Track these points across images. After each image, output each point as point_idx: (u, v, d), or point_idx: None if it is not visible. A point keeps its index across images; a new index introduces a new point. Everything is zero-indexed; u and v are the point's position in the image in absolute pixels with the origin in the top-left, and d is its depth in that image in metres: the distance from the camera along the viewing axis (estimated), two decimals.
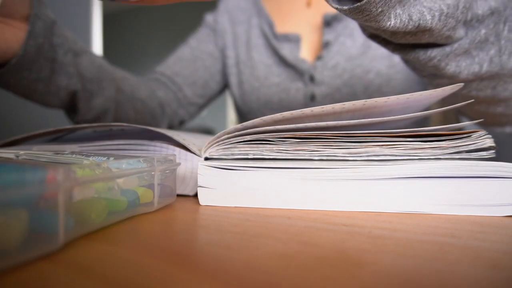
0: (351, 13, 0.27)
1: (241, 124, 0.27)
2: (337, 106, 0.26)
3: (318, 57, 0.62)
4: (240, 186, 0.27)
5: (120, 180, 0.22)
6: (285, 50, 0.65)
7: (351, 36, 0.61)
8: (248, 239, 0.19)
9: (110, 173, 0.20)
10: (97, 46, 1.28)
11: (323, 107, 0.26)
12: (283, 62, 0.65)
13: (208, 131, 2.89)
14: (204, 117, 4.33)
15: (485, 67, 0.35)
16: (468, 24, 0.33)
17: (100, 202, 0.20)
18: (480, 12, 0.33)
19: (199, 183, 0.27)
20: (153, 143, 0.31)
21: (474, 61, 0.35)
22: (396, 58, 0.59)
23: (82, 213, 0.18)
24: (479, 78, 0.36)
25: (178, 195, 0.31)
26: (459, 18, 0.30)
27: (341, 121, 0.26)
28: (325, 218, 0.23)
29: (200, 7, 4.03)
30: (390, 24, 0.28)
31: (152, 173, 0.24)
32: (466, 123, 0.28)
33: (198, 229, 0.21)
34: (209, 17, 0.75)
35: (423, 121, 0.64)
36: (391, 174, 0.25)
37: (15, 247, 0.14)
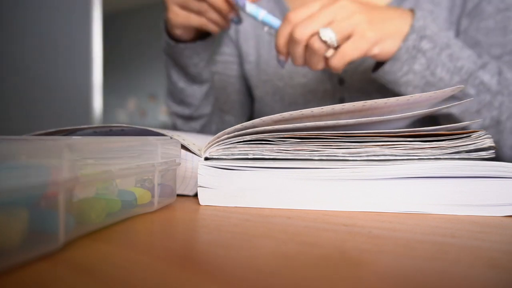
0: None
1: (241, 124, 0.27)
2: (337, 107, 0.26)
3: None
4: (240, 186, 0.27)
5: (119, 180, 0.22)
6: None
7: None
8: (248, 239, 0.19)
9: (110, 173, 0.20)
10: (97, 46, 1.28)
11: (322, 108, 0.26)
12: None
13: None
14: None
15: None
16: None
17: (99, 202, 0.20)
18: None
19: (199, 183, 0.27)
20: None
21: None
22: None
23: (82, 212, 0.18)
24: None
25: (178, 195, 0.31)
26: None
27: (341, 120, 0.26)
28: (325, 218, 0.23)
29: None
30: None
31: (152, 173, 0.24)
32: (466, 122, 0.28)
33: (198, 229, 0.21)
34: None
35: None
36: (391, 174, 0.25)
37: (15, 247, 0.14)
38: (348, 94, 0.60)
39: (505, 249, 0.17)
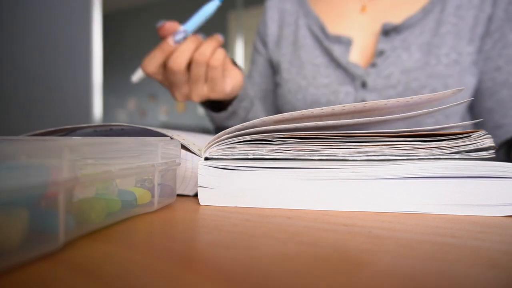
0: None
1: (241, 124, 0.27)
2: (337, 108, 0.26)
3: (372, 64, 0.60)
4: (240, 186, 0.27)
5: (119, 180, 0.22)
6: (336, 52, 0.64)
7: (408, 50, 0.59)
8: (248, 239, 0.19)
9: (110, 173, 0.20)
10: (97, 46, 1.28)
11: (323, 109, 0.26)
12: (334, 63, 0.64)
13: (208, 131, 2.89)
14: (204, 117, 4.33)
15: None
16: None
17: (99, 202, 0.20)
18: None
19: (199, 183, 0.27)
20: None
21: None
22: (450, 80, 0.58)
23: (82, 213, 0.18)
24: None
25: (178, 195, 0.31)
26: None
27: (340, 120, 0.26)
28: (325, 218, 0.23)
29: (199, 7, 4.02)
30: None
31: (152, 173, 0.24)
32: (466, 122, 0.28)
33: (198, 229, 0.21)
34: (261, 29, 0.75)
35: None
36: (391, 174, 0.25)
37: (15, 247, 0.14)
38: (370, 98, 0.61)
39: (505, 249, 0.17)
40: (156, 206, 0.25)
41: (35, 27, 1.19)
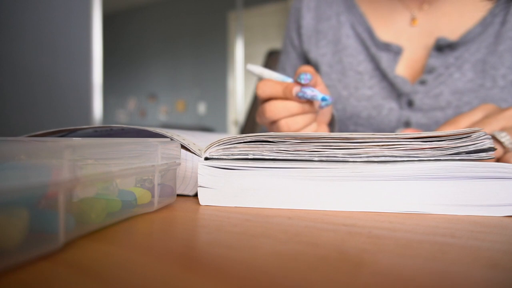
0: None
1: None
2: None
3: (421, 81, 0.55)
4: (240, 186, 0.27)
5: (119, 180, 0.22)
6: (383, 61, 0.59)
7: (460, 69, 0.54)
8: (248, 239, 0.19)
9: (110, 173, 0.20)
10: (97, 46, 1.28)
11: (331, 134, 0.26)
12: (380, 73, 0.59)
13: (208, 130, 2.89)
14: (204, 117, 4.34)
15: None
16: None
17: (99, 202, 0.20)
18: None
19: (199, 183, 0.27)
20: None
21: None
22: (504, 105, 0.52)
23: (82, 212, 0.18)
24: None
25: (178, 195, 0.31)
26: None
27: (343, 132, 0.26)
28: (325, 218, 0.23)
29: (199, 7, 4.03)
30: None
31: (152, 173, 0.24)
32: (468, 129, 0.27)
33: (198, 229, 0.21)
34: (295, 17, 0.68)
35: None
36: (391, 174, 0.25)
37: (16, 247, 0.14)
38: (415, 119, 0.56)
39: (505, 249, 0.17)
40: (156, 206, 0.25)
41: (35, 27, 1.19)
